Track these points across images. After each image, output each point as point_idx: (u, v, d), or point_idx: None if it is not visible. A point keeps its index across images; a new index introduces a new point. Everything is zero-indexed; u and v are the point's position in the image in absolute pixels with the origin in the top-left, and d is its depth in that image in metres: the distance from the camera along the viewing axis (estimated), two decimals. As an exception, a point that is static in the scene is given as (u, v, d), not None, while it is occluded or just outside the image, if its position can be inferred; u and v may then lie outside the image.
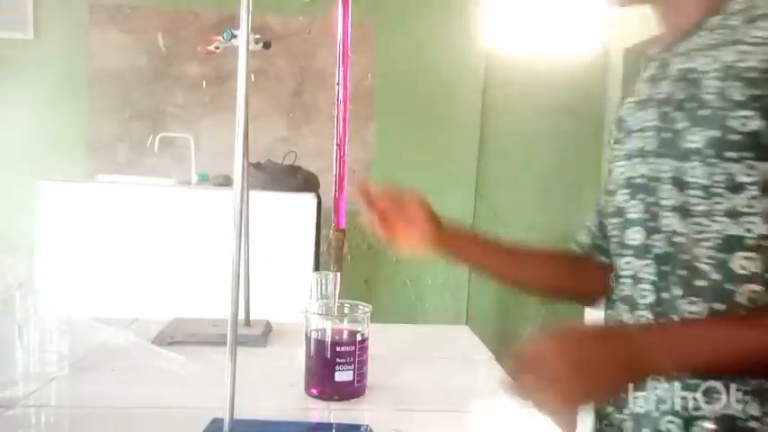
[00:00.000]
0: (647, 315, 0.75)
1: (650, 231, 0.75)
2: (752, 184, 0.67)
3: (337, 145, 0.80)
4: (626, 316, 0.77)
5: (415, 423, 0.80)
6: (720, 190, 0.68)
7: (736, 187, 0.68)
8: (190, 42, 2.73)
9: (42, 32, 2.74)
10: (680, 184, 0.71)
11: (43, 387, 0.86)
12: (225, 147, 2.33)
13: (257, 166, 2.16)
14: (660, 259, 0.74)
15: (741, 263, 0.68)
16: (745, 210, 0.68)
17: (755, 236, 0.67)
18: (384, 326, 1.11)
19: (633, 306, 0.77)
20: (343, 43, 0.80)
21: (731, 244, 0.68)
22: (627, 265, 0.78)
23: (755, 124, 0.66)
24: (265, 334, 1.11)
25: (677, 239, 0.71)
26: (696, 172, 0.70)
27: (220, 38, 1.15)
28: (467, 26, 3.05)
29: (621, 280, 0.79)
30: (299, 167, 2.24)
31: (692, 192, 0.70)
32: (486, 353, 1.09)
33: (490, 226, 3.18)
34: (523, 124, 3.14)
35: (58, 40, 2.75)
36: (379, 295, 2.94)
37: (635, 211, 0.78)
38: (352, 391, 0.85)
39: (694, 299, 0.70)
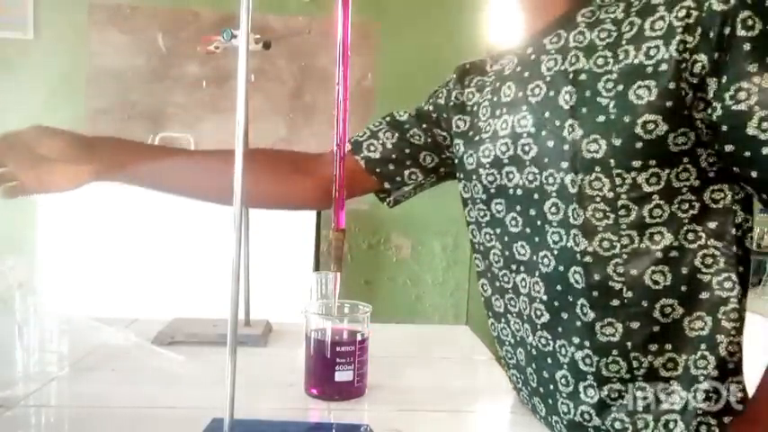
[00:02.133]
0: (546, 335, 0.71)
1: (535, 247, 0.71)
2: (656, 193, 0.64)
3: (337, 145, 0.80)
4: (530, 338, 0.74)
5: (415, 423, 0.80)
6: (626, 202, 0.64)
7: (642, 198, 0.64)
8: (190, 42, 2.73)
9: (42, 32, 2.74)
10: (578, 198, 0.66)
11: (43, 387, 0.86)
12: (225, 147, 2.34)
13: (257, 166, 2.16)
14: (549, 278, 0.70)
15: (653, 277, 0.64)
16: (650, 221, 0.64)
17: (662, 247, 0.64)
18: (384, 326, 1.11)
19: (533, 326, 0.73)
20: (343, 43, 0.80)
21: (641, 258, 0.64)
22: (523, 282, 0.74)
23: (661, 129, 0.61)
24: (265, 334, 1.11)
25: (586, 259, 0.66)
26: (598, 184, 0.65)
27: (220, 38, 1.15)
28: (467, 26, 3.05)
29: (521, 298, 0.74)
30: (299, 167, 2.24)
31: (595, 206, 0.65)
32: (486, 353, 1.09)
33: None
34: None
35: (58, 40, 2.75)
36: (379, 295, 2.94)
37: (516, 224, 0.73)
38: (352, 391, 0.85)
39: (611, 320, 0.66)
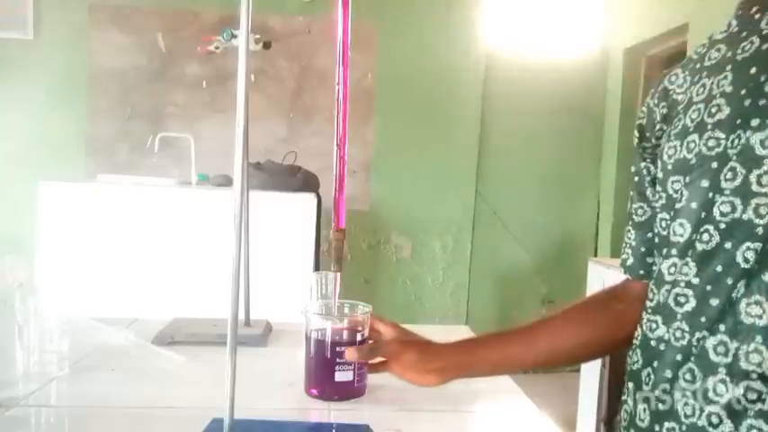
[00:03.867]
0: (683, 327, 0.61)
1: (696, 224, 0.61)
2: None
3: (337, 145, 0.80)
4: (660, 330, 0.63)
5: (415, 423, 0.80)
6: None
7: None
8: (190, 42, 2.73)
9: (42, 32, 2.74)
10: (756, 159, 0.57)
11: (43, 387, 0.86)
12: (225, 147, 2.34)
13: (257, 166, 2.16)
14: (705, 256, 0.60)
15: None
16: None
17: None
18: (384, 326, 1.11)
19: (669, 317, 0.62)
20: (343, 43, 0.80)
21: None
22: (672, 268, 0.63)
23: None
24: (265, 334, 1.11)
25: (749, 217, 0.57)
26: None
27: (220, 38, 1.15)
28: (467, 27, 3.05)
29: (664, 288, 0.64)
30: (299, 167, 2.24)
31: None
32: (486, 353, 1.09)
33: (490, 226, 3.18)
34: (523, 124, 3.14)
35: (58, 40, 2.75)
36: (379, 295, 2.94)
37: (680, 199, 0.63)
38: (352, 391, 0.85)
39: (760, 298, 0.56)
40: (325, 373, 0.84)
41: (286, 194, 2.07)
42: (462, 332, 1.25)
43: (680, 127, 0.66)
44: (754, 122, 0.57)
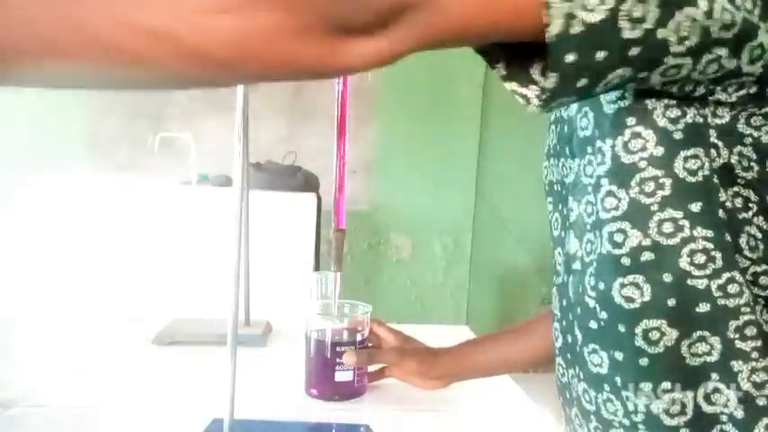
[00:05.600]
0: (561, 362, 0.56)
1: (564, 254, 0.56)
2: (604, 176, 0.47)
3: (337, 145, 0.80)
4: (556, 364, 0.58)
5: (415, 423, 0.80)
6: (610, 187, 0.46)
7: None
8: (190, 42, 2.73)
9: (42, 32, 2.74)
10: (572, 187, 0.51)
11: (43, 387, 0.86)
12: (225, 147, 2.34)
13: (257, 166, 2.16)
14: (560, 290, 0.54)
15: (624, 293, 0.46)
16: (611, 214, 0.46)
17: (627, 250, 0.45)
18: (384, 326, 1.11)
19: (554, 351, 0.58)
20: (343, 43, 0.79)
21: (607, 266, 0.47)
22: (548, 296, 0.63)
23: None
24: (265, 334, 1.11)
25: (575, 266, 0.51)
26: (591, 168, 0.48)
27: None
28: (467, 26, 3.05)
29: (553, 317, 0.59)
30: (299, 167, 2.24)
31: (587, 198, 0.49)
32: (486, 353, 1.09)
33: (490, 226, 3.18)
34: (523, 124, 3.14)
35: (58, 39, 2.75)
36: (379, 295, 2.93)
37: (556, 226, 0.58)
38: (352, 391, 0.85)
39: (594, 346, 0.50)
40: (325, 373, 0.84)
41: (286, 194, 2.07)
42: (462, 332, 1.25)
43: (547, 147, 0.59)
44: (568, 149, 0.53)
